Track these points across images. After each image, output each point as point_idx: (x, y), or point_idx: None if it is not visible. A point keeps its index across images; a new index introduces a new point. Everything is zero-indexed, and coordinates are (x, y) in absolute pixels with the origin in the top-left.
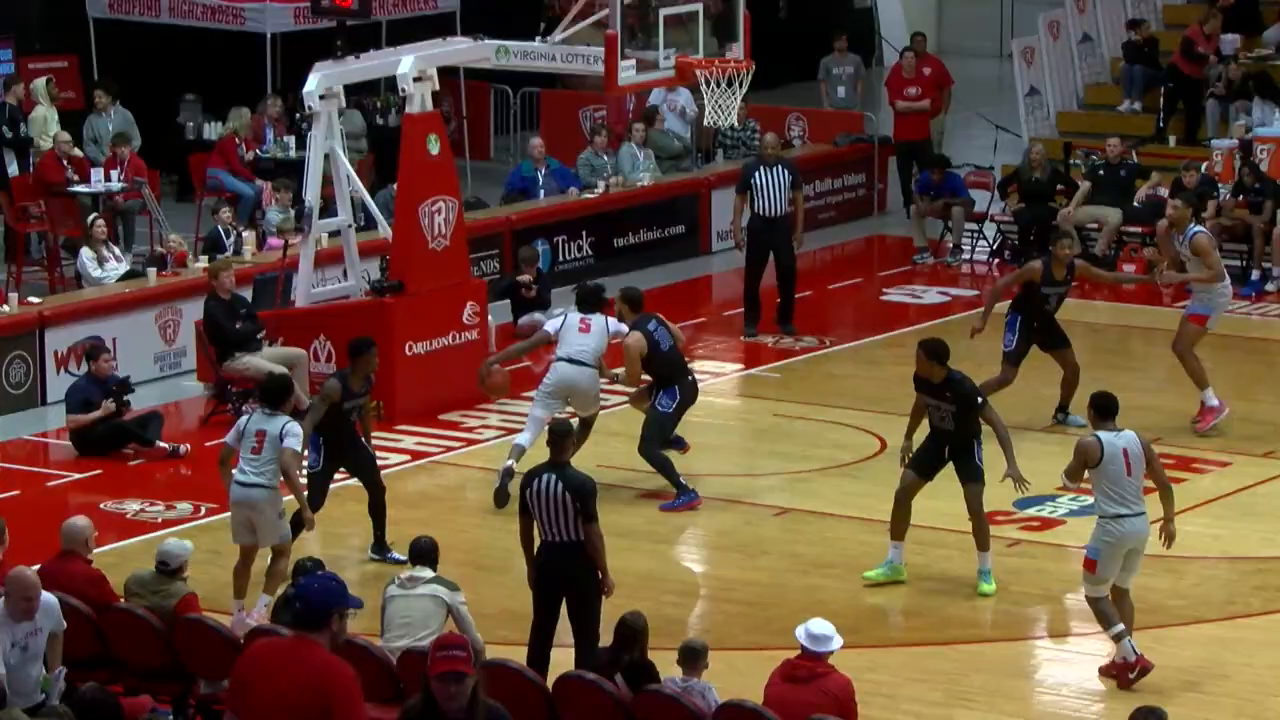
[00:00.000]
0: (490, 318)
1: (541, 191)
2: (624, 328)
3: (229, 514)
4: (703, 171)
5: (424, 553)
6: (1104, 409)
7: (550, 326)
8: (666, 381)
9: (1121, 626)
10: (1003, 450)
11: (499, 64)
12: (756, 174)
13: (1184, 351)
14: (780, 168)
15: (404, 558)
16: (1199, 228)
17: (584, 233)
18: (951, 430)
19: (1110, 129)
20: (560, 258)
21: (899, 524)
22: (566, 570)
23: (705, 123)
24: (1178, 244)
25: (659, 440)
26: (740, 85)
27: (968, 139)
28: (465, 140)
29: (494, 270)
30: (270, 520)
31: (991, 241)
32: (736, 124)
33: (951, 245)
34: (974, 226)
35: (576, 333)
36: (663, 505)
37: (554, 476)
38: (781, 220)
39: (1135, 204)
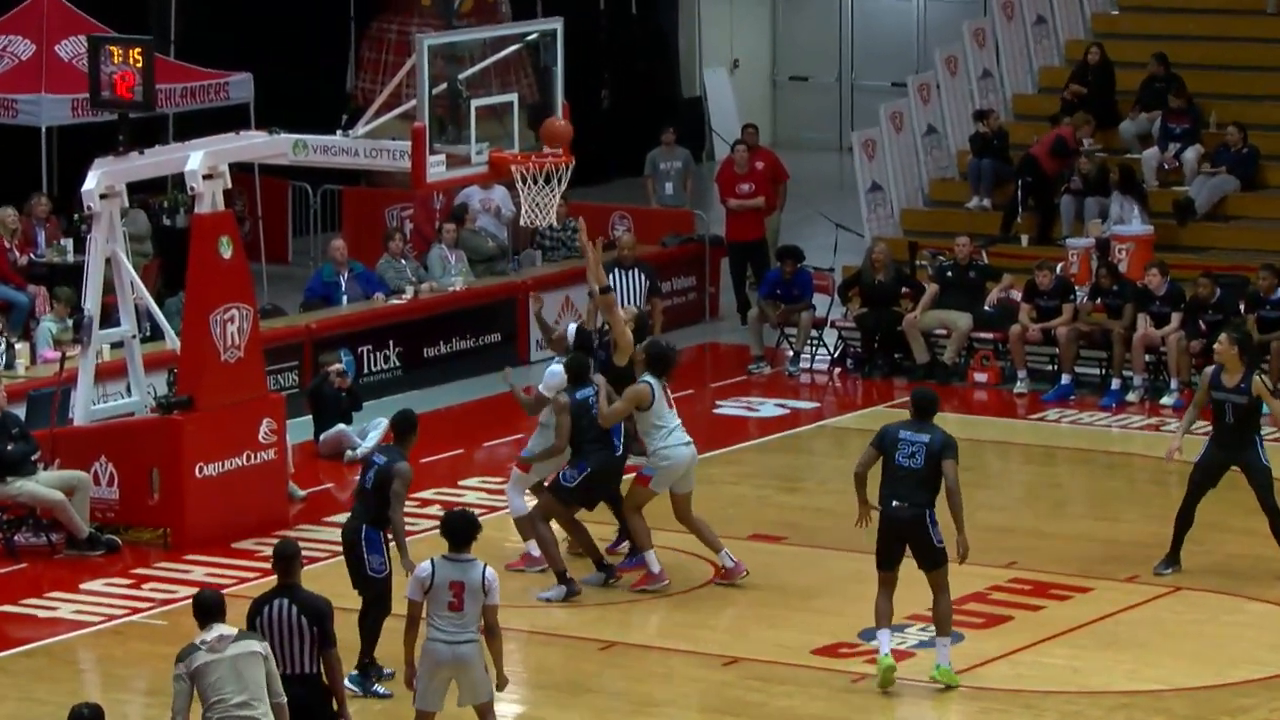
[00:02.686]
0: (289, 436)
1: (344, 298)
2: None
3: (421, 676)
4: (520, 275)
5: (216, 608)
6: None
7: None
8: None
9: None
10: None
11: (297, 159)
12: (610, 277)
13: (628, 510)
14: (637, 271)
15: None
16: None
17: (391, 342)
18: None
19: (958, 227)
20: (365, 369)
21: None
22: (303, 706)
23: (522, 222)
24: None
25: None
26: (560, 181)
27: (806, 238)
28: (260, 242)
29: (292, 384)
30: (481, 676)
31: (832, 349)
32: (556, 223)
33: (791, 353)
34: (814, 333)
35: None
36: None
37: (285, 600)
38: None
39: (986, 308)
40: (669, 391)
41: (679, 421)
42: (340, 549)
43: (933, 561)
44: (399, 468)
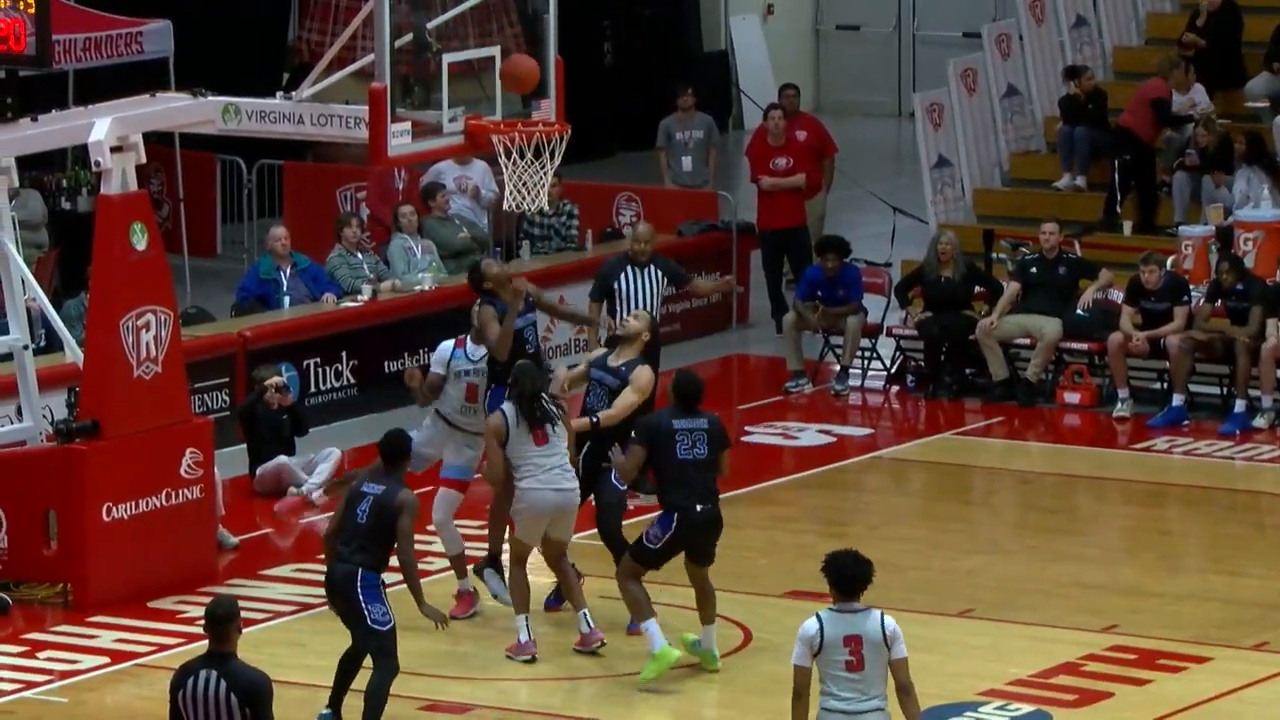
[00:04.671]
0: (218, 470)
1: (286, 299)
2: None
3: None
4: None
5: None
6: None
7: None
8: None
9: None
10: None
11: (227, 128)
12: (622, 277)
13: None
14: (654, 269)
15: None
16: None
17: (344, 354)
18: None
19: (1044, 212)
20: (312, 387)
21: None
22: None
23: (506, 206)
24: None
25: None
26: (553, 156)
27: (856, 225)
28: (182, 230)
29: (222, 406)
30: None
31: (889, 363)
32: (547, 208)
33: (839, 368)
34: (866, 342)
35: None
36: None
37: (214, 674)
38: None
39: (1079, 312)
40: (554, 425)
41: (555, 460)
42: (322, 599)
43: (711, 556)
44: (404, 498)
